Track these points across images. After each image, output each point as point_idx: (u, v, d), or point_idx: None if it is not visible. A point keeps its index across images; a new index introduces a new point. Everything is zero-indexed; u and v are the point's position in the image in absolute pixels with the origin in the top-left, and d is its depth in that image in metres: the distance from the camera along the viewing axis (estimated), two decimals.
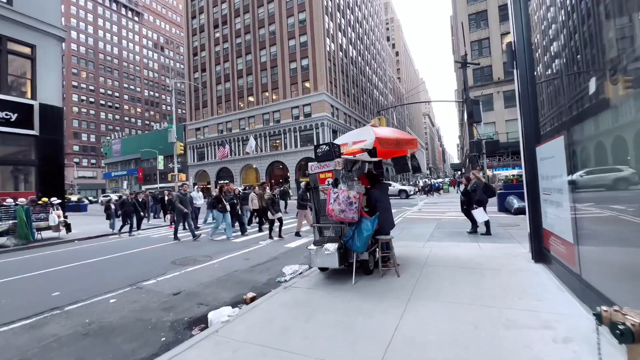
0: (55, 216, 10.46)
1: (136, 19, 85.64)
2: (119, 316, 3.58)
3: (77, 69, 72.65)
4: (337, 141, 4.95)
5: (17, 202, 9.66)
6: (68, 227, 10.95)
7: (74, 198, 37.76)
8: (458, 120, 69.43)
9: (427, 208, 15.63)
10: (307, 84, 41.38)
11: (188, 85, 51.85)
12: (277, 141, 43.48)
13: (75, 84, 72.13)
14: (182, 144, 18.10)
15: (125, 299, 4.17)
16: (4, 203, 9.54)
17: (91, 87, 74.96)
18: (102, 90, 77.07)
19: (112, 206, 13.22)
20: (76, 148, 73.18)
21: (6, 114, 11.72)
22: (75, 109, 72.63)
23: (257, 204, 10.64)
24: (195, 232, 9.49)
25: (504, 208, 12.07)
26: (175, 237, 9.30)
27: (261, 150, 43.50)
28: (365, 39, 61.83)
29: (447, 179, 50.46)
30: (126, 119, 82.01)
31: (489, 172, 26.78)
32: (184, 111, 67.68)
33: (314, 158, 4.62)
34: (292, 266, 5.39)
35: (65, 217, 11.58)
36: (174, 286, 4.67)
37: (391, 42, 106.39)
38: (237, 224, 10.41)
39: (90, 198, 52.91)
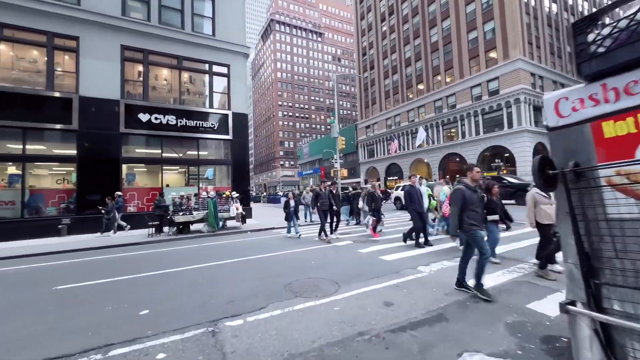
0: (234, 208, 11.77)
1: (319, 39, 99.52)
2: None
3: (281, 92, 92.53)
4: None
5: (209, 195, 11.40)
6: (244, 219, 12.11)
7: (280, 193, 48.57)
8: None
9: None
10: (492, 54, 32.75)
11: (358, 85, 54.02)
12: (453, 130, 37.12)
13: (280, 103, 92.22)
14: (343, 139, 17.51)
15: (173, 358, 2.59)
16: (201, 196, 11.50)
17: (289, 104, 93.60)
18: (297, 105, 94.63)
19: (291, 203, 9.82)
20: (281, 153, 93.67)
21: (212, 124, 14.51)
22: (280, 123, 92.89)
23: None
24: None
25: None
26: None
27: (432, 143, 38.55)
28: None
29: None
30: (313, 126, 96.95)
31: None
32: (356, 113, 72.07)
33: (577, 82, 1.34)
34: None
35: (244, 209, 13.08)
36: (252, 346, 2.75)
37: None
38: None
39: (289, 192, 66.21)
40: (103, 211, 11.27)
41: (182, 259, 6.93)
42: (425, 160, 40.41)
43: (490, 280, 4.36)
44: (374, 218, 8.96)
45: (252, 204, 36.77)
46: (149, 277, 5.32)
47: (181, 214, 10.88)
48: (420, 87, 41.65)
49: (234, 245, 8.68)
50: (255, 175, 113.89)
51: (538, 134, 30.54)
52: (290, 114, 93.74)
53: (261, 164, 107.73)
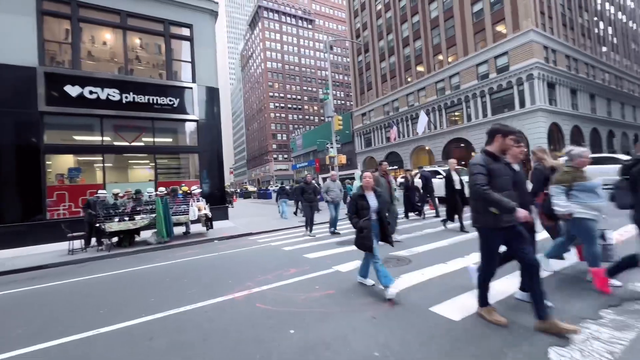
0: (195, 209, 8.62)
1: (310, 26, 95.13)
2: None
3: (272, 82, 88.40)
4: None
5: (157, 193, 8.23)
6: (210, 222, 8.99)
7: (271, 188, 45.21)
8: None
9: None
10: (499, 27, 29.61)
11: (352, 69, 50.57)
12: (457, 113, 34.08)
13: (271, 94, 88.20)
14: (340, 118, 14.34)
15: None
16: (144, 194, 8.33)
17: (281, 95, 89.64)
18: (288, 96, 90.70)
19: (370, 203, 3.96)
20: (274, 146, 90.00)
21: (170, 100, 11.21)
22: (272, 115, 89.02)
23: None
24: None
25: None
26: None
27: (435, 128, 35.53)
28: None
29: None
30: (306, 117, 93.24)
31: None
32: (351, 103, 68.49)
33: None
34: None
35: (218, 208, 9.93)
36: None
37: None
38: None
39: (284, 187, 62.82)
40: None
41: (47, 315, 3.79)
42: (427, 148, 37.46)
43: None
44: (606, 242, 3.34)
45: (241, 200, 33.58)
46: None
47: (117, 219, 7.72)
48: (420, 68, 38.41)
49: (175, 270, 5.54)
50: (249, 170, 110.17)
51: (553, 113, 27.66)
52: (282, 105, 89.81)
53: (254, 158, 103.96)
